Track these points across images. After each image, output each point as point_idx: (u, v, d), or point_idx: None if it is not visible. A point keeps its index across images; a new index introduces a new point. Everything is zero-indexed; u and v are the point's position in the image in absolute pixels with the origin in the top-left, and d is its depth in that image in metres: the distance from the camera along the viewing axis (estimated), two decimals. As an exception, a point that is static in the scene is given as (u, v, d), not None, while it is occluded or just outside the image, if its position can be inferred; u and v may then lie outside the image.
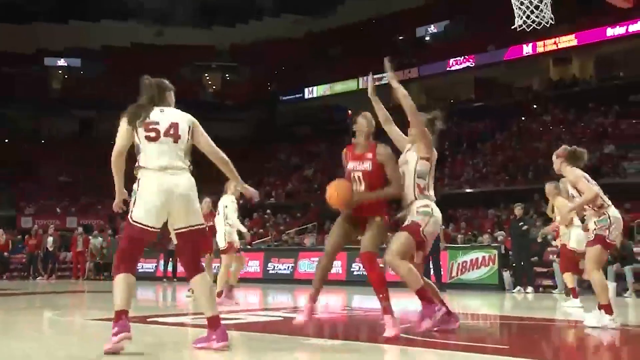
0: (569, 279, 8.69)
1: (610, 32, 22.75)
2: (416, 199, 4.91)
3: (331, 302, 9.16)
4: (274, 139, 31.60)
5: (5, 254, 18.77)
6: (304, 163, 28.94)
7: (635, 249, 11.42)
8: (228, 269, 8.62)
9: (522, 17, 4.88)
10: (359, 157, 4.96)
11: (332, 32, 32.83)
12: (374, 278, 4.76)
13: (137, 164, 4.02)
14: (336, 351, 4.40)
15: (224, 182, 8.06)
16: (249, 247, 17.44)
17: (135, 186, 3.98)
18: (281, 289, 12.57)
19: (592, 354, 4.75)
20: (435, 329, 4.81)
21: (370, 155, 4.92)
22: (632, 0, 4.63)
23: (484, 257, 12.35)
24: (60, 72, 35.63)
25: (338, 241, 5.01)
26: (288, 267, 15.41)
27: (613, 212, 5.64)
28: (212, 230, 8.75)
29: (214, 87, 37.06)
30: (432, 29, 32.08)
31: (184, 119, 4.12)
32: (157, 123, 4.01)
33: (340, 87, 31.12)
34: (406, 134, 5.17)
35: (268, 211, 23.59)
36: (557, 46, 24.56)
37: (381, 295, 4.72)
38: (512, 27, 5.03)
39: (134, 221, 3.93)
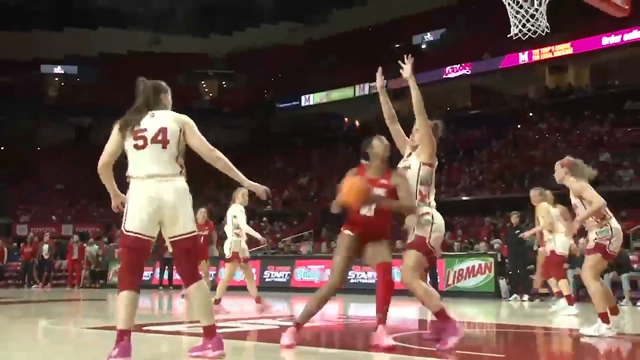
0: (564, 286, 8.73)
1: (606, 40, 22.87)
2: (417, 206, 4.85)
3: (327, 310, 9.14)
4: (271, 147, 31.61)
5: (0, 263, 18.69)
6: (301, 170, 28.95)
7: (631, 257, 11.44)
8: (230, 278, 8.61)
9: (517, 26, 4.89)
10: (373, 181, 4.81)
11: (329, 39, 32.92)
12: (385, 290, 4.70)
13: (127, 173, 3.99)
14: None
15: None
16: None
17: (127, 196, 3.97)
18: (277, 296, 12.52)
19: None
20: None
21: (384, 181, 4.82)
22: (627, 9, 4.65)
23: (480, 265, 12.34)
24: (57, 79, 35.64)
25: (347, 261, 4.90)
26: (284, 275, 15.39)
27: (615, 224, 5.68)
28: (207, 239, 8.75)
29: (210, 94, 37.09)
30: (429, 36, 32.21)
31: (175, 121, 4.00)
32: (145, 130, 3.93)
33: (337, 94, 31.18)
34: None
35: (264, 219, 23.56)
36: (552, 54, 24.67)
37: (385, 308, 4.68)
38: (508, 36, 5.03)
39: (127, 231, 3.89)
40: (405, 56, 4.91)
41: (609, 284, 10.52)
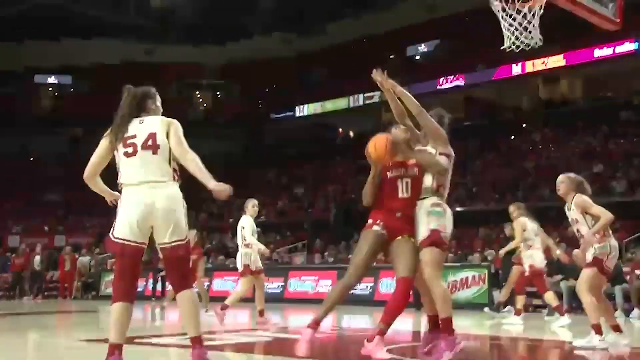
0: (551, 298, 8.76)
1: (598, 52, 23.00)
2: (431, 195, 4.76)
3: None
4: (265, 157, 31.59)
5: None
6: (295, 181, 28.92)
7: (624, 269, 11.45)
8: (245, 291, 8.56)
9: (511, 39, 4.91)
10: (402, 164, 4.80)
11: (323, 50, 32.99)
12: (398, 305, 4.59)
13: (119, 181, 3.96)
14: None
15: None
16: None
17: (119, 203, 3.94)
18: (271, 308, 12.46)
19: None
20: None
21: (412, 161, 4.82)
22: (618, 22, 4.68)
23: (474, 276, 12.33)
24: (50, 89, 35.57)
25: (369, 262, 4.74)
26: (278, 286, 15.34)
27: (613, 242, 5.73)
28: (195, 265, 8.70)
29: (204, 105, 37.09)
30: (423, 48, 32.34)
31: (162, 124, 3.96)
32: (135, 137, 3.90)
33: (331, 105, 31.22)
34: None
35: (258, 229, 23.46)
36: (546, 66, 24.79)
37: (391, 321, 4.60)
38: (502, 48, 5.05)
39: (116, 237, 3.86)
40: (375, 70, 4.90)
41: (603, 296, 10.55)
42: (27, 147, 32.67)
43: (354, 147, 29.97)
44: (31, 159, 32.34)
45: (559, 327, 8.20)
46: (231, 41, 33.56)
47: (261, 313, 8.47)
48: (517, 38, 5.00)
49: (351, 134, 32.18)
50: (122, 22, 31.26)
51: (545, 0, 4.69)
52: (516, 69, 25.39)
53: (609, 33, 5.03)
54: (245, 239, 8.42)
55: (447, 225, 4.75)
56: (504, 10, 4.94)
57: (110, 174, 4.15)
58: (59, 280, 18.93)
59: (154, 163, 3.88)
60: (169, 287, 12.32)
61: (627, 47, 22.06)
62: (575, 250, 6.00)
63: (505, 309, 11.09)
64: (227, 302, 8.38)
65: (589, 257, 5.70)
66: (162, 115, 4.15)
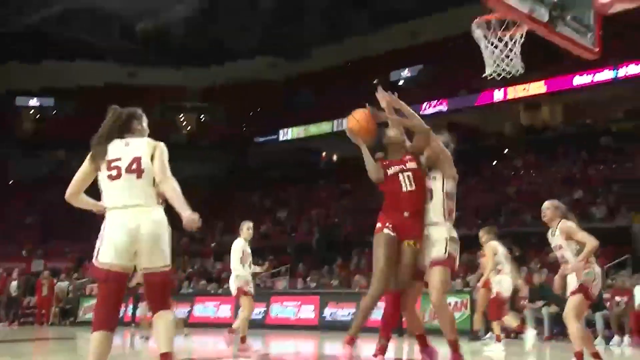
0: (497, 328, 8.80)
1: (578, 80, 23.35)
2: (445, 221, 4.79)
3: (303, 348, 8.98)
4: (248, 180, 31.52)
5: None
6: (278, 205, 28.85)
7: (605, 295, 11.47)
8: (250, 313, 8.54)
9: (492, 66, 4.94)
10: (400, 161, 4.90)
11: (307, 75, 33.18)
12: (393, 318, 4.74)
13: (102, 204, 3.89)
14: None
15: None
16: (220, 291, 17.18)
17: (102, 227, 3.87)
18: (252, 334, 12.32)
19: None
20: None
21: (409, 156, 4.92)
22: (597, 52, 4.74)
23: (456, 302, 12.29)
24: (32, 112, 35.31)
25: (389, 267, 4.67)
26: (260, 311, 15.14)
27: (597, 269, 5.76)
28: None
29: (188, 127, 37.04)
30: (406, 73, 32.65)
31: (148, 147, 3.91)
32: (120, 159, 3.85)
33: (315, 129, 31.32)
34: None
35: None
36: (527, 92, 25.10)
37: (388, 336, 4.70)
38: (483, 76, 5.09)
39: (101, 262, 3.77)
40: (379, 89, 5.00)
41: (584, 323, 10.56)
42: (8, 169, 32.32)
43: (337, 171, 30.06)
44: (10, 182, 31.95)
45: (489, 352, 8.27)
46: (215, 64, 33.66)
47: (243, 339, 8.37)
48: (498, 66, 5.03)
49: (335, 158, 32.25)
50: (105, 44, 31.26)
51: (526, 29, 4.74)
52: (498, 95, 25.68)
53: (588, 61, 5.08)
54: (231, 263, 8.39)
55: (457, 253, 4.84)
56: (485, 38, 4.98)
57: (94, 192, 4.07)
58: (36, 306, 18.51)
59: (139, 187, 3.83)
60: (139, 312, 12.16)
61: (606, 75, 22.44)
62: (557, 277, 6.01)
63: (487, 336, 11.05)
64: (241, 334, 8.29)
65: (575, 284, 5.71)
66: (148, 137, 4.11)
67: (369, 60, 31.60)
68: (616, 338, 10.55)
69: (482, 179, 24.56)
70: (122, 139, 3.95)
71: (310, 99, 33.07)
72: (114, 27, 31.23)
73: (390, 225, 4.72)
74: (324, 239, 22.48)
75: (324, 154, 33.46)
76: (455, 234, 4.82)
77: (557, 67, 22.68)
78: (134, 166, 3.84)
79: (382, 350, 4.68)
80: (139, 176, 3.84)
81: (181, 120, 37.06)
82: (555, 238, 5.87)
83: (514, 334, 11.55)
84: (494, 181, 23.90)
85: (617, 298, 11.32)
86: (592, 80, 22.85)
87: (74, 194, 3.98)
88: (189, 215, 3.78)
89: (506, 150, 26.13)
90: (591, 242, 5.65)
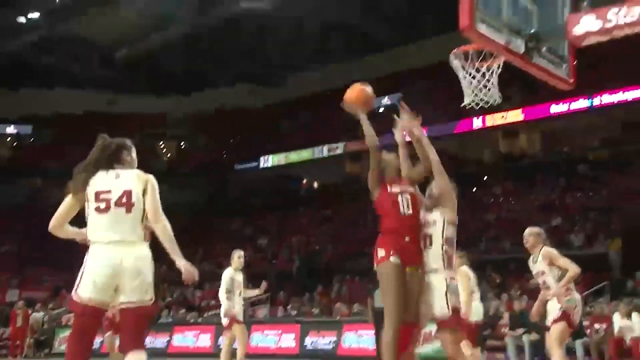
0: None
1: (554, 108, 23.73)
2: (444, 268, 4.65)
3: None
4: (229, 208, 31.38)
5: None
6: (259, 232, 28.71)
7: (584, 322, 11.52)
8: (246, 340, 8.41)
9: (470, 96, 5.03)
10: (402, 182, 4.89)
11: (288, 102, 33.33)
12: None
13: (85, 234, 3.83)
14: None
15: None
16: (199, 320, 16.97)
17: (84, 261, 3.80)
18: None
19: None
20: None
21: (405, 180, 4.92)
22: (571, 82, 4.85)
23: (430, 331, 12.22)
24: (9, 139, 34.92)
25: (400, 299, 4.43)
26: (240, 340, 14.96)
27: (577, 295, 5.80)
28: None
29: (168, 155, 36.89)
30: (386, 100, 32.93)
31: (139, 181, 3.84)
32: (109, 192, 3.76)
33: (295, 156, 31.36)
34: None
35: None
36: (505, 120, 25.43)
37: None
38: (462, 105, 5.18)
39: (79, 297, 3.70)
40: (403, 113, 5.04)
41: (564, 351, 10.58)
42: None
43: (318, 198, 30.08)
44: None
45: None
46: (195, 91, 33.71)
47: None
48: (476, 95, 5.12)
49: (315, 185, 32.26)
50: (84, 72, 31.17)
51: (503, 60, 4.83)
52: (477, 123, 25.96)
53: (564, 90, 5.19)
54: (229, 291, 8.31)
55: (460, 300, 4.78)
56: (463, 68, 5.07)
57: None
58: (9, 338, 18.07)
59: (127, 222, 3.76)
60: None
61: (581, 103, 22.84)
62: (537, 302, 6.03)
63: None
64: (238, 358, 8.19)
65: (557, 311, 5.73)
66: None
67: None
68: (596, 365, 10.58)
69: (462, 206, 24.66)
70: (111, 170, 3.88)
71: (291, 126, 33.18)
72: (94, 55, 31.14)
73: (395, 252, 4.51)
74: (304, 266, 22.38)
75: (304, 181, 33.48)
76: (454, 283, 4.70)
77: (533, 96, 23.06)
78: (124, 199, 3.77)
79: None
80: (128, 210, 3.77)
81: (161, 147, 36.90)
82: (537, 264, 5.91)
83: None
84: (473, 208, 24.05)
85: (597, 325, 11.37)
86: (568, 109, 23.24)
87: (58, 226, 3.91)
88: (187, 268, 3.80)
89: (485, 177, 26.34)
90: (573, 268, 5.70)
